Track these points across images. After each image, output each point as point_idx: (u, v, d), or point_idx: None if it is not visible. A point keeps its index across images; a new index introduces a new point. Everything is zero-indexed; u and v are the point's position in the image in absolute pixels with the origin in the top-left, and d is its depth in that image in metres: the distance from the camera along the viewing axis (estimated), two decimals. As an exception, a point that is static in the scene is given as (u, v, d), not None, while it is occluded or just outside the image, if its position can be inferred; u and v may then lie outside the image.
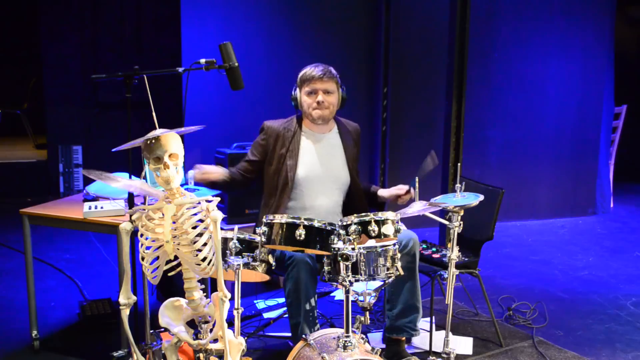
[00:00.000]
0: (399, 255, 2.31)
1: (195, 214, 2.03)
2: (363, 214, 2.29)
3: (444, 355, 2.52)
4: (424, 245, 3.33)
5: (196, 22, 4.62)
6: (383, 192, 3.02)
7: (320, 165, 2.95)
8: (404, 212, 2.43)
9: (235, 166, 3.04)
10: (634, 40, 8.42)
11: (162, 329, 2.30)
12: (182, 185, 2.14)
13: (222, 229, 2.13)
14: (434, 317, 2.98)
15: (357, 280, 2.23)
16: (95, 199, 3.10)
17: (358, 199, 3.03)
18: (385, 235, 2.27)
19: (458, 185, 2.52)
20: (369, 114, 5.29)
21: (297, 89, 2.95)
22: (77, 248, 4.79)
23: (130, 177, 2.51)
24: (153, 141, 1.99)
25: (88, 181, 4.88)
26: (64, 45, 6.59)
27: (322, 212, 2.91)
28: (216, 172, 2.87)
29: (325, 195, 2.94)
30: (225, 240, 2.32)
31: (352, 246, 2.23)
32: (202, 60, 2.50)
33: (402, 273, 2.32)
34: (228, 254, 2.30)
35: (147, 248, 2.05)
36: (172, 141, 2.01)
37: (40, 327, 3.08)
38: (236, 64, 2.55)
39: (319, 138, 2.99)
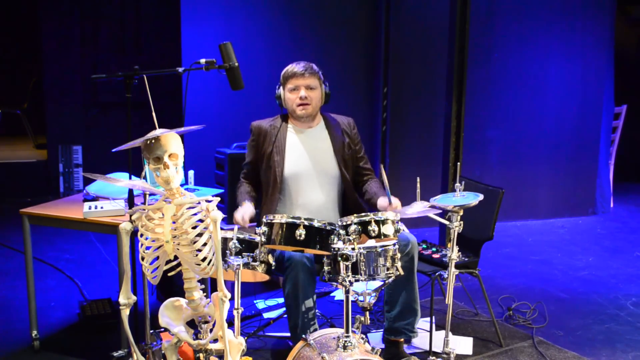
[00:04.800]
0: (399, 255, 2.31)
1: (195, 214, 2.03)
2: (363, 214, 2.28)
3: (444, 355, 2.52)
4: (424, 245, 3.33)
5: (196, 22, 4.62)
6: (381, 202, 2.92)
7: (307, 161, 2.93)
8: (404, 212, 2.43)
9: (242, 174, 3.06)
10: (634, 40, 8.42)
11: (162, 329, 2.30)
12: (181, 185, 2.14)
13: (222, 229, 2.13)
14: (434, 317, 2.98)
15: (357, 280, 2.23)
16: (95, 199, 3.11)
17: (349, 194, 3.00)
18: (385, 235, 2.27)
19: (458, 184, 2.51)
20: (369, 114, 5.29)
21: (281, 87, 2.96)
22: (77, 248, 4.79)
23: (130, 177, 2.52)
24: (153, 141, 1.99)
25: (88, 181, 4.89)
26: (64, 45, 6.59)
27: (313, 208, 2.89)
28: (250, 211, 2.80)
29: (315, 191, 2.92)
30: (225, 240, 2.32)
31: (352, 246, 2.23)
32: (202, 60, 2.50)
33: (402, 273, 2.32)
34: (228, 254, 2.30)
35: (147, 248, 2.05)
36: (172, 141, 2.01)
37: (40, 327, 3.09)
38: (236, 64, 2.55)
39: (305, 133, 2.99)
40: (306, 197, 2.91)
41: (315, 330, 2.62)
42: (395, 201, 2.74)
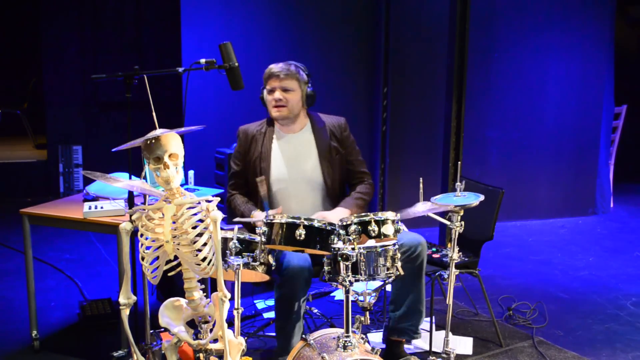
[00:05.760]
0: (399, 255, 2.31)
1: (195, 214, 2.03)
2: (363, 214, 2.28)
3: (444, 355, 2.52)
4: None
5: (196, 22, 4.62)
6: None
7: (291, 168, 2.89)
8: (407, 212, 2.42)
9: (230, 186, 3.00)
10: (634, 40, 8.42)
11: (162, 329, 2.31)
12: (182, 185, 2.14)
13: (222, 229, 2.13)
14: (434, 317, 2.98)
15: (357, 280, 2.23)
16: (95, 199, 3.11)
17: (335, 201, 2.94)
18: (385, 235, 2.27)
19: (458, 184, 2.51)
20: (369, 114, 5.29)
21: (264, 88, 2.92)
22: (77, 248, 4.79)
23: (130, 177, 2.52)
24: (153, 141, 1.99)
25: (88, 181, 4.89)
26: (64, 45, 6.59)
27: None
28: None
29: (299, 198, 2.88)
30: (225, 240, 2.32)
31: (352, 246, 2.23)
32: (202, 60, 2.50)
33: (402, 273, 2.32)
34: (228, 254, 2.30)
35: (147, 248, 2.05)
36: (172, 141, 2.01)
37: (40, 327, 3.09)
38: (236, 64, 2.55)
39: (289, 138, 2.94)
40: (291, 204, 2.88)
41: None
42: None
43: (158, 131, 2.02)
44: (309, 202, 2.91)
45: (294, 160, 2.91)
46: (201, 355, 2.19)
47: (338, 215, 2.77)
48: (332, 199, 2.95)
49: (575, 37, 5.63)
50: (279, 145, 2.94)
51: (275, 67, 2.86)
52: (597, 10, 5.69)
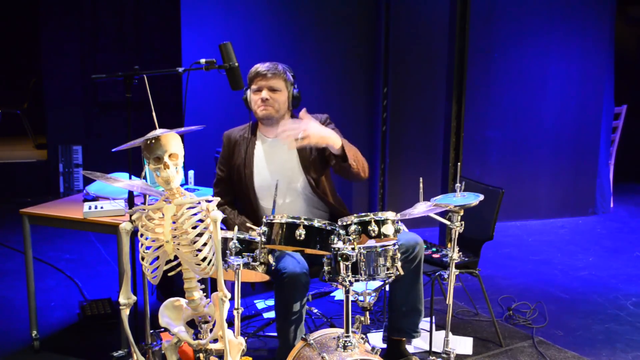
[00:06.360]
0: (399, 255, 2.30)
1: (195, 214, 2.03)
2: (363, 214, 2.28)
3: (444, 355, 2.52)
4: (424, 246, 3.32)
5: (196, 22, 4.62)
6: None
7: (273, 173, 2.83)
8: (408, 212, 2.42)
9: (216, 193, 2.94)
10: (634, 40, 8.42)
11: (162, 329, 2.31)
12: (182, 185, 2.14)
13: (222, 228, 2.13)
14: (434, 317, 2.98)
15: (357, 280, 2.23)
16: (95, 199, 3.11)
17: (326, 199, 2.88)
18: (385, 235, 2.27)
19: (458, 184, 2.51)
20: (369, 114, 5.29)
21: (248, 89, 2.86)
22: (77, 248, 4.79)
23: (130, 177, 2.52)
24: (153, 141, 1.99)
25: (88, 181, 4.89)
26: (64, 45, 6.59)
27: None
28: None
29: (285, 204, 2.83)
30: (225, 240, 2.32)
31: (352, 246, 2.23)
32: (202, 60, 2.50)
33: (402, 273, 2.32)
34: (228, 254, 2.30)
35: (147, 248, 2.05)
36: (172, 141, 2.01)
37: (40, 327, 3.09)
38: (236, 64, 2.55)
39: (271, 143, 2.89)
40: (278, 210, 2.79)
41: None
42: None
43: (158, 131, 2.02)
44: (295, 207, 2.85)
45: (276, 166, 2.86)
46: (201, 355, 2.19)
47: (331, 132, 2.61)
48: (319, 202, 2.90)
49: (575, 37, 5.63)
50: (263, 150, 2.89)
51: (261, 67, 2.80)
52: (597, 10, 5.69)
